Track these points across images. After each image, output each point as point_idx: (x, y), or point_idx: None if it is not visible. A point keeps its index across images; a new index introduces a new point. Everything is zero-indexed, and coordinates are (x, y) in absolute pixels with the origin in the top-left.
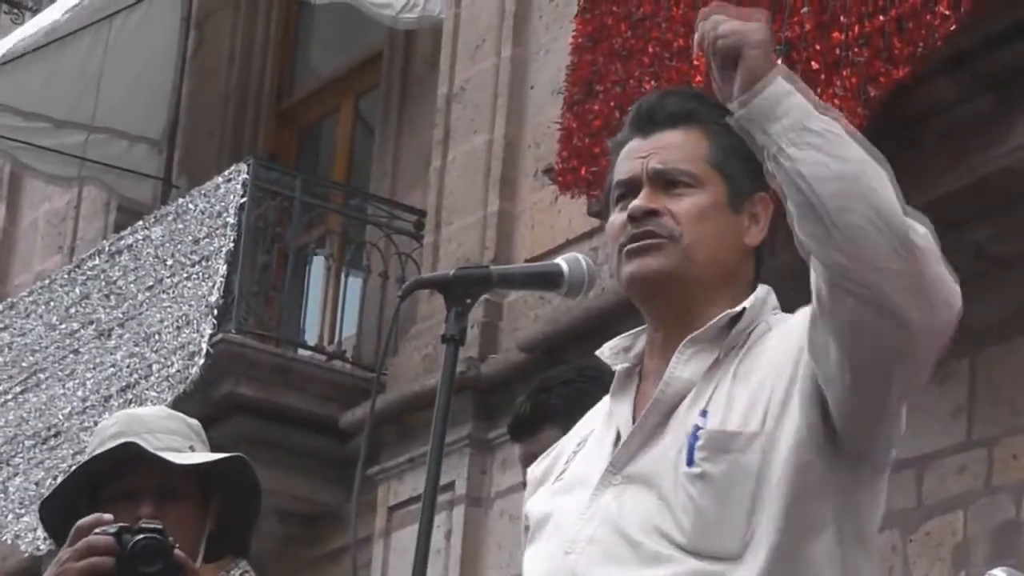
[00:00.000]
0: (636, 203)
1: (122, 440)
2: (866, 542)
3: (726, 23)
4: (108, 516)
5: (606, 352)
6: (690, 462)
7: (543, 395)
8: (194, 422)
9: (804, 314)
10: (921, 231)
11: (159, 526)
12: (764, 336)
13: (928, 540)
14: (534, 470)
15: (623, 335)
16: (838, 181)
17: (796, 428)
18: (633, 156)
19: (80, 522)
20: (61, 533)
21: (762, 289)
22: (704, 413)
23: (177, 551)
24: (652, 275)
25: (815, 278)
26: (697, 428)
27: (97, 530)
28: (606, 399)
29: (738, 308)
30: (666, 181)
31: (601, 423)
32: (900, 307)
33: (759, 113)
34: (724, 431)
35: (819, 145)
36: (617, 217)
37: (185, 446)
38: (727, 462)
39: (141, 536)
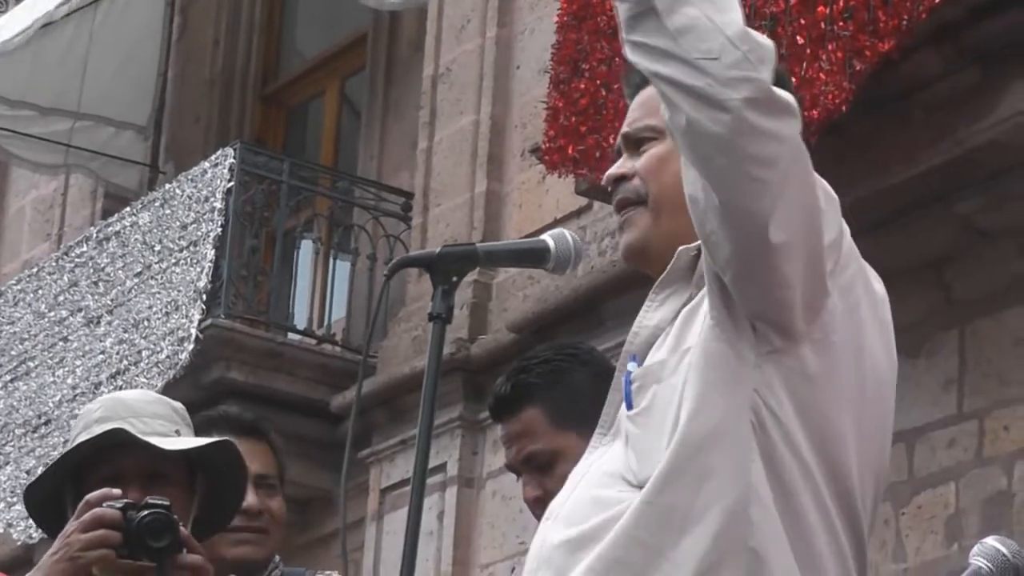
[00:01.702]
0: (608, 171)
1: (108, 425)
2: (799, 450)
3: None
4: (116, 491)
5: None
6: (629, 406)
7: (522, 375)
8: (179, 405)
9: None
10: (758, 33)
11: (166, 502)
12: None
13: (920, 513)
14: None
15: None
16: None
17: (704, 324)
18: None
19: (88, 496)
20: (45, 519)
21: None
22: (633, 357)
23: (182, 528)
24: (631, 248)
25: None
26: (629, 373)
27: (104, 504)
28: None
29: (695, 243)
30: (635, 141)
31: None
32: (727, 94)
33: None
34: (649, 365)
35: None
36: None
37: (171, 430)
38: (654, 390)
39: (148, 511)
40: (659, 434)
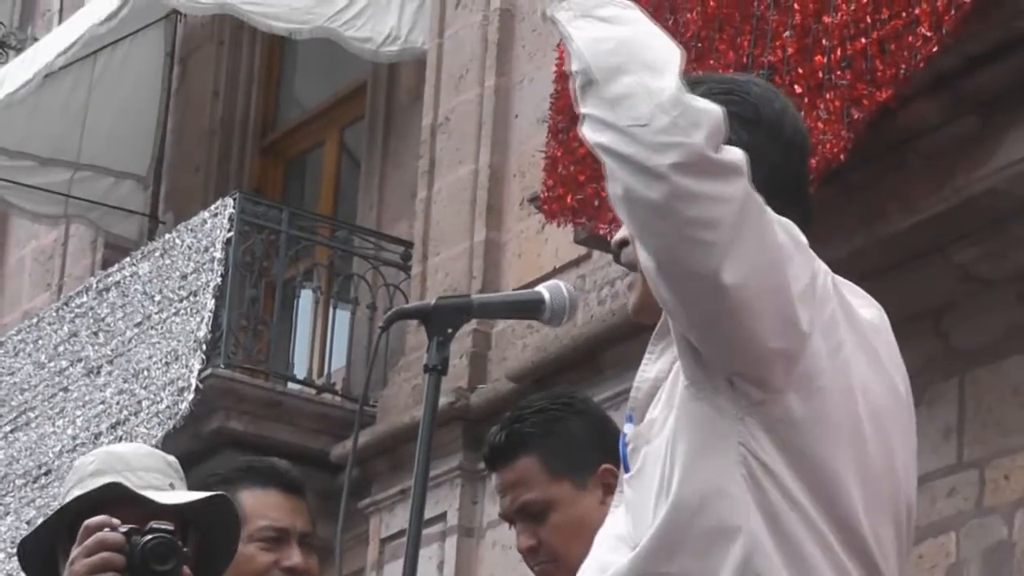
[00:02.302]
0: (614, 238)
1: (104, 479)
2: (796, 499)
3: None
4: (116, 520)
5: None
6: (626, 468)
7: (517, 424)
8: (172, 459)
9: None
10: (699, 98)
11: (170, 526)
12: None
13: (921, 563)
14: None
15: None
16: (616, 42)
17: (681, 385)
18: None
19: (88, 522)
20: (39, 572)
21: None
22: (630, 417)
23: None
24: (634, 309)
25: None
26: (624, 435)
27: (106, 529)
28: None
29: None
30: None
31: None
32: (656, 160)
33: None
34: (641, 426)
35: (608, 20)
36: None
37: (165, 483)
38: (645, 452)
39: (152, 536)
40: (647, 498)
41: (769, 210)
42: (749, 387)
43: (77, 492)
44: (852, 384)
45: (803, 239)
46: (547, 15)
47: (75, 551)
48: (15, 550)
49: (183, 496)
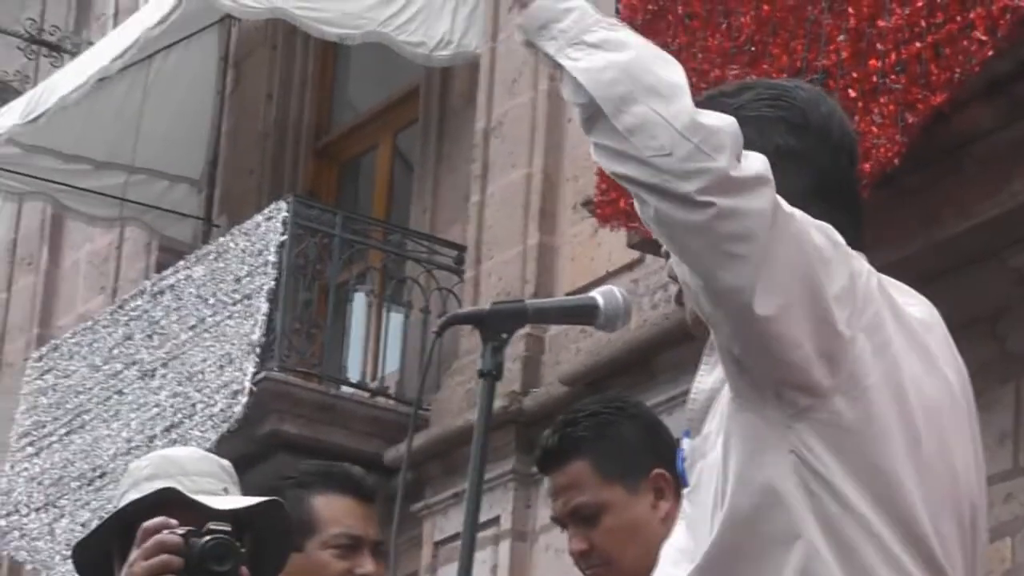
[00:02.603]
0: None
1: (158, 483)
2: (850, 505)
3: None
4: (173, 521)
5: None
6: (685, 483)
7: (570, 427)
8: (226, 463)
9: None
10: (713, 115)
11: (228, 527)
12: None
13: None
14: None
15: None
16: (617, 71)
17: (728, 397)
18: None
19: (146, 524)
20: (92, 575)
21: None
22: (688, 432)
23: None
24: (689, 320)
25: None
26: (682, 450)
27: (165, 531)
28: None
29: None
30: None
31: None
32: (686, 188)
33: (532, 24)
34: (696, 441)
35: (600, 46)
36: None
37: (219, 488)
38: (700, 466)
39: (211, 537)
40: (705, 512)
41: (799, 213)
42: (795, 394)
43: (132, 496)
44: (902, 382)
45: (840, 239)
46: (530, 45)
47: (134, 553)
48: (70, 553)
49: (237, 501)
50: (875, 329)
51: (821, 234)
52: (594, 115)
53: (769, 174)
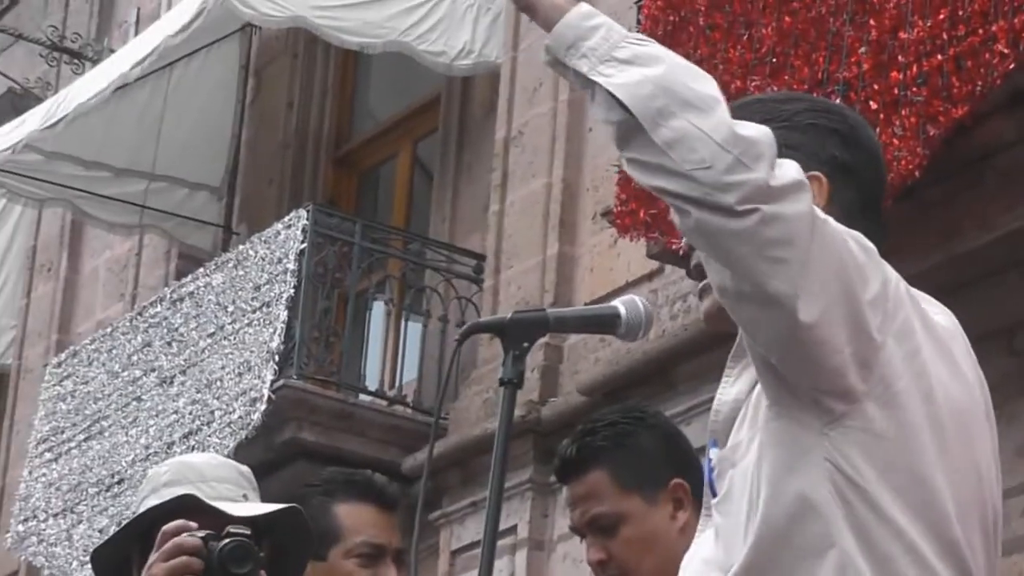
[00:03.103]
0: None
1: (177, 489)
2: (885, 513)
3: None
4: (193, 524)
5: None
6: (713, 493)
7: (588, 437)
8: (245, 469)
9: None
10: (749, 126)
11: (248, 531)
12: None
13: None
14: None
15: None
16: (653, 85)
17: (764, 405)
18: None
19: (166, 527)
20: None
21: None
22: (714, 442)
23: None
24: (711, 313)
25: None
26: (710, 460)
27: (185, 534)
28: None
29: None
30: None
31: None
32: (728, 200)
33: (560, 44)
34: (725, 450)
35: (632, 61)
36: None
37: (238, 494)
38: (731, 475)
39: (230, 540)
40: (737, 522)
41: (831, 219)
42: (831, 401)
43: (151, 502)
44: (932, 387)
45: (871, 246)
46: (557, 64)
47: (153, 556)
48: (87, 559)
49: (256, 508)
50: (905, 335)
51: (854, 240)
52: (630, 131)
53: (805, 179)
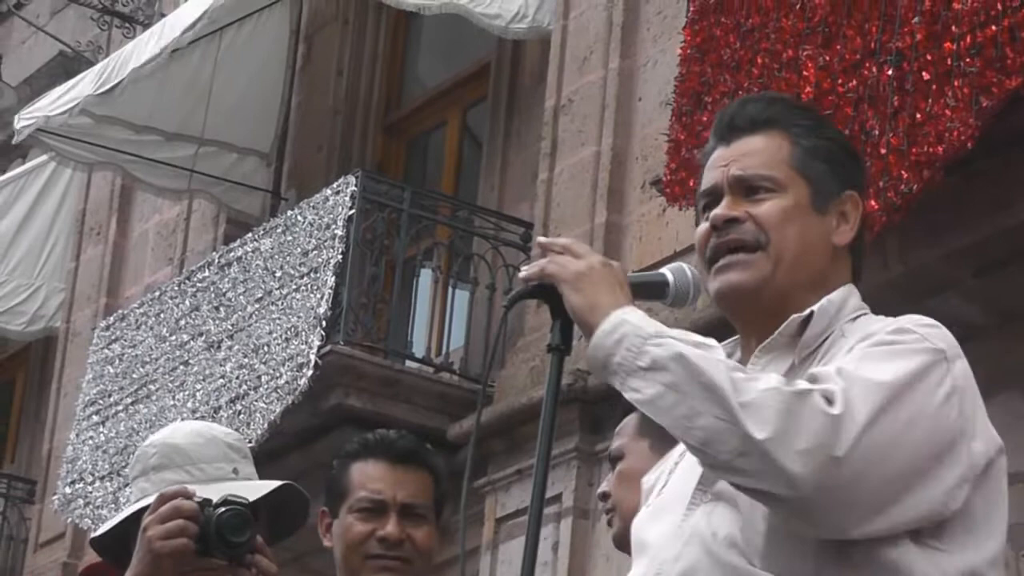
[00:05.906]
0: (717, 212)
1: (167, 474)
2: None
3: (547, 263)
4: (192, 489)
5: None
6: None
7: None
8: (233, 439)
9: (885, 325)
10: (755, 390)
11: (246, 499)
12: (836, 344)
13: None
14: (648, 479)
15: (724, 343)
16: (672, 394)
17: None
18: (716, 165)
19: (164, 490)
20: (114, 555)
21: (841, 290)
22: None
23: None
24: (744, 288)
25: None
26: None
27: (181, 498)
28: None
29: (806, 312)
30: (747, 187)
31: None
32: (777, 487)
33: (595, 365)
34: None
35: (651, 368)
36: (702, 227)
37: (229, 471)
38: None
39: (227, 508)
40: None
41: (908, 391)
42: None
43: (142, 485)
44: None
45: (980, 402)
46: (606, 376)
47: (148, 517)
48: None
49: (249, 488)
50: (973, 410)
51: (929, 386)
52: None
53: (879, 406)
